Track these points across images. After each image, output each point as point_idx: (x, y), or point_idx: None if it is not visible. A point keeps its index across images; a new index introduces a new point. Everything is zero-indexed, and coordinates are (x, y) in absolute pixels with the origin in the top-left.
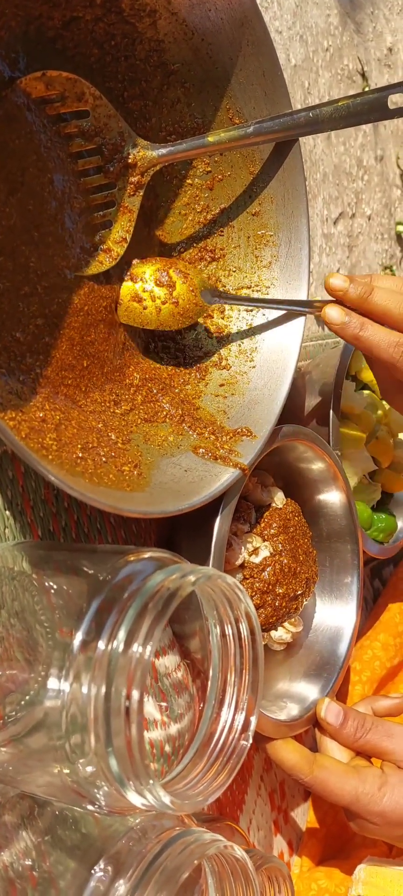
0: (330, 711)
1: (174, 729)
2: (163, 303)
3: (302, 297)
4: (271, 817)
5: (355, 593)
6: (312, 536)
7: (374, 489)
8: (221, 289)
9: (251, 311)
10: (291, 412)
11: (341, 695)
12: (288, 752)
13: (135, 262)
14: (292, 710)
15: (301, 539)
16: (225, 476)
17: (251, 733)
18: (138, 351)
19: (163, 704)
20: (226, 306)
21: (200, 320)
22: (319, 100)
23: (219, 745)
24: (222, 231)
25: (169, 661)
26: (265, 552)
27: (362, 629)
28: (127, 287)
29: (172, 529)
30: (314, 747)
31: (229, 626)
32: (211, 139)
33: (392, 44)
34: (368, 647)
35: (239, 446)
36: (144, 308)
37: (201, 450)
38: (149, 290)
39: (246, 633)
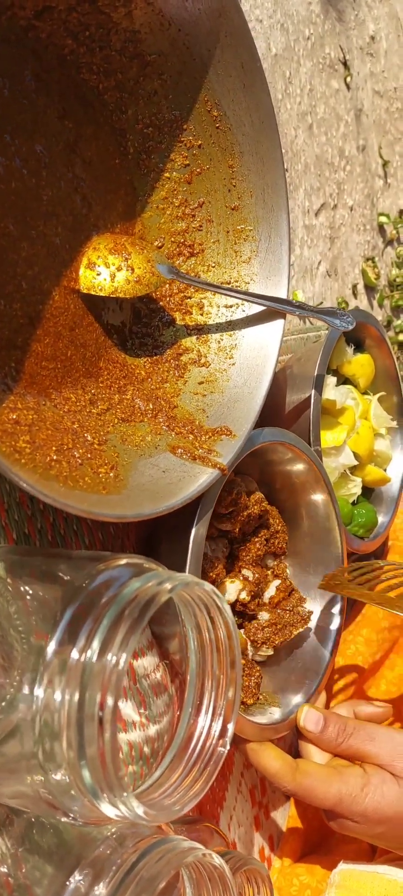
0: (310, 719)
1: (153, 730)
2: (118, 269)
3: (283, 293)
4: (252, 813)
5: (338, 598)
6: (295, 539)
7: (355, 484)
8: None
9: (231, 307)
10: (272, 408)
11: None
12: (271, 759)
13: (94, 237)
14: (274, 713)
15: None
16: (203, 477)
17: (228, 740)
18: (115, 347)
19: (142, 711)
20: (206, 302)
21: (178, 318)
22: (300, 90)
23: (196, 752)
24: (201, 226)
25: (147, 663)
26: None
27: (346, 622)
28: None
29: (152, 530)
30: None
31: (207, 632)
32: None
33: (374, 32)
34: (351, 642)
35: (219, 446)
36: (98, 274)
37: (179, 450)
38: (103, 258)
39: (223, 638)
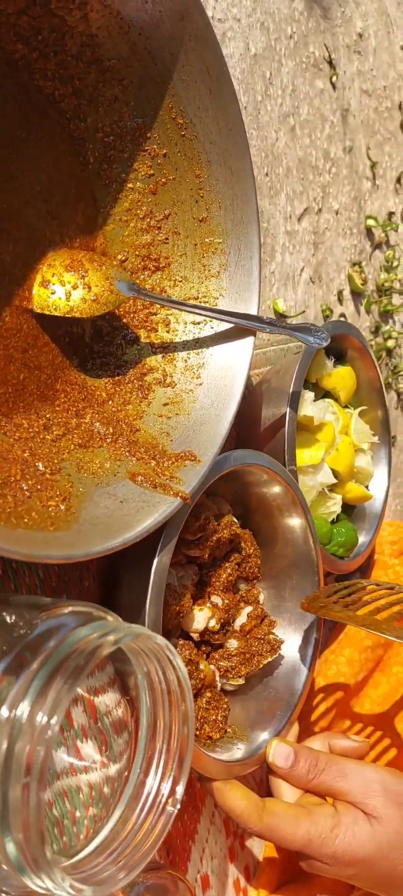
0: (279, 754)
1: (113, 769)
2: (74, 287)
3: (253, 309)
4: (226, 844)
5: (314, 626)
6: (271, 562)
7: (334, 502)
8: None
9: (198, 323)
10: (249, 423)
11: (303, 713)
12: (236, 799)
13: (50, 253)
14: (242, 748)
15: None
16: (163, 507)
17: (178, 800)
18: (74, 368)
19: (104, 750)
20: (172, 319)
21: (143, 335)
22: (282, 91)
23: (144, 813)
24: (167, 239)
25: (109, 699)
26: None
27: (326, 642)
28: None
29: (113, 560)
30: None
31: (159, 685)
32: None
33: (362, 29)
34: (332, 661)
35: (182, 472)
36: (52, 293)
37: (140, 477)
38: (58, 276)
39: (176, 693)
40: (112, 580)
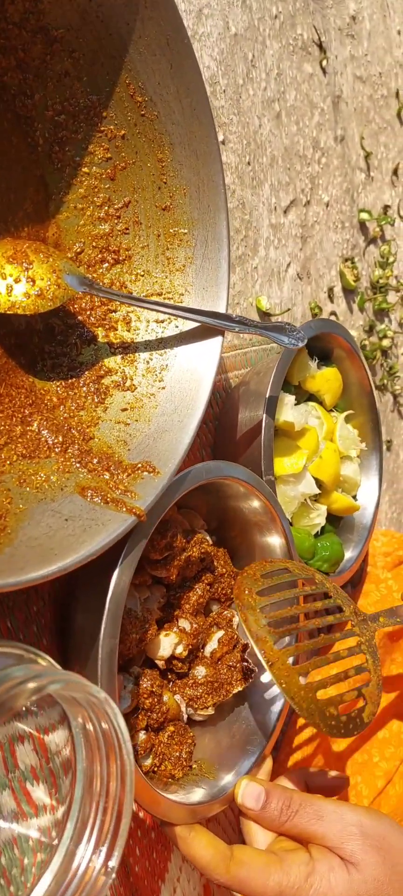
0: (249, 794)
1: (60, 812)
2: (16, 281)
3: (221, 306)
4: (200, 883)
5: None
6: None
7: (318, 514)
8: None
9: (162, 322)
10: (224, 430)
11: (288, 739)
12: (201, 848)
13: None
14: (209, 787)
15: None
16: (114, 525)
17: (112, 871)
18: (20, 370)
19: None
20: (133, 317)
21: (100, 334)
22: (266, 74)
23: (74, 885)
24: (127, 229)
25: (59, 738)
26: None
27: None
28: None
29: (67, 581)
30: None
31: (95, 739)
32: None
33: (355, 11)
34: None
35: (139, 485)
36: None
37: (90, 491)
38: None
39: (116, 749)
40: (67, 599)
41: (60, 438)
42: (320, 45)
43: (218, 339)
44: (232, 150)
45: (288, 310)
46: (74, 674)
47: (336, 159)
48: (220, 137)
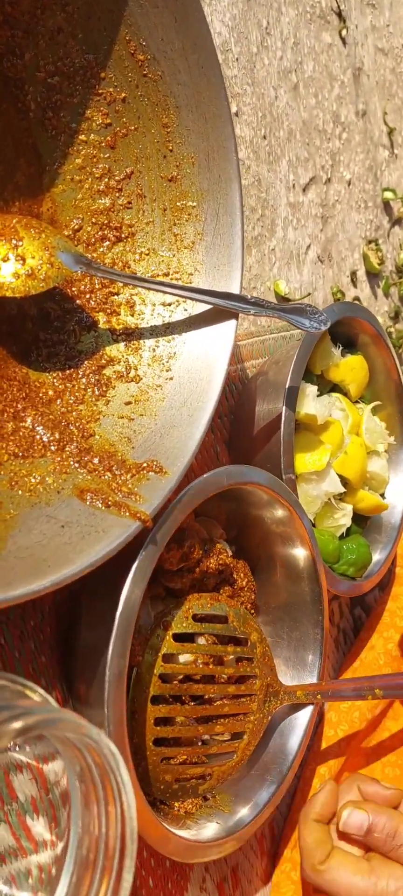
0: (353, 823)
1: (60, 847)
2: (4, 260)
3: (235, 287)
4: None
5: (316, 674)
6: (269, 595)
7: (343, 514)
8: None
9: (169, 305)
10: (241, 425)
11: (313, 755)
12: (310, 832)
13: None
14: (221, 823)
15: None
16: (116, 531)
17: None
18: (13, 359)
19: (53, 827)
20: (137, 300)
21: (101, 320)
22: (282, 43)
23: None
24: (130, 203)
25: (58, 767)
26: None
27: (340, 668)
28: None
29: (72, 591)
30: None
31: (92, 779)
32: None
33: None
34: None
35: (144, 487)
36: None
37: (89, 494)
38: None
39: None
40: (70, 612)
41: (57, 436)
42: (339, 14)
43: (232, 322)
44: (247, 123)
45: (309, 294)
46: (68, 712)
47: (357, 135)
48: (233, 109)
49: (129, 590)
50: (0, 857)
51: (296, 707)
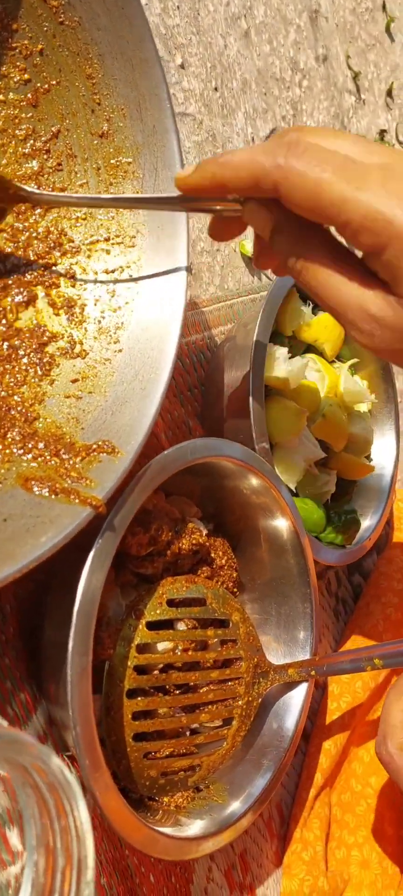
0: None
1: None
2: None
3: (182, 246)
4: None
5: (308, 650)
6: (254, 571)
7: (326, 480)
8: (67, 245)
9: (113, 271)
10: (210, 395)
11: (318, 729)
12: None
13: None
14: (215, 815)
15: None
16: (63, 521)
17: None
18: None
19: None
20: (77, 269)
21: (40, 294)
22: None
23: None
24: (60, 165)
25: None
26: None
27: (341, 638)
28: None
29: (36, 581)
30: None
31: (49, 821)
32: None
33: None
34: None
35: (95, 470)
36: None
37: (35, 483)
38: None
39: (73, 840)
40: (35, 608)
41: None
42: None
43: (182, 283)
44: (195, 76)
45: None
46: (12, 730)
47: (319, 81)
48: (178, 61)
49: (87, 581)
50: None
51: (290, 686)
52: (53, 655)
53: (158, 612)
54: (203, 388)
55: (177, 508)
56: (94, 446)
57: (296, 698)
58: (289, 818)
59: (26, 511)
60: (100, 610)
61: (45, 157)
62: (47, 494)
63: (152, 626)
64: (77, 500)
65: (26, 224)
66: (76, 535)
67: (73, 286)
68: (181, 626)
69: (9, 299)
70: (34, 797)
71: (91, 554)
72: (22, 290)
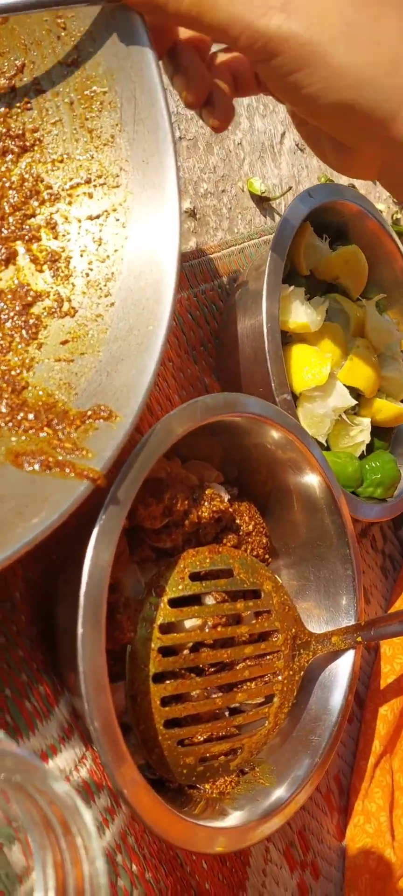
0: None
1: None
2: None
3: (171, 182)
4: (293, 881)
5: (353, 614)
6: (287, 534)
7: (360, 430)
8: (45, 192)
9: (97, 217)
10: (224, 347)
11: (373, 693)
12: None
13: None
14: (261, 801)
15: None
16: (57, 499)
17: None
18: None
19: None
20: (59, 218)
21: (20, 250)
22: None
23: None
24: (28, 103)
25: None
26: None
27: (390, 596)
28: None
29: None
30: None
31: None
32: None
33: None
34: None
35: (92, 439)
36: None
37: (26, 458)
38: None
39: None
40: (50, 592)
41: None
42: None
43: (174, 212)
44: None
45: (290, 189)
46: (16, 749)
47: None
48: None
49: (93, 561)
50: (18, 878)
51: (336, 654)
52: (68, 642)
53: (181, 587)
54: (217, 342)
55: (194, 474)
56: (89, 412)
57: (344, 667)
58: (349, 790)
59: (17, 491)
60: (117, 590)
61: (11, 96)
62: (39, 469)
63: (176, 603)
64: (72, 474)
65: None
66: (85, 510)
67: (56, 238)
68: (209, 601)
69: None
70: (35, 812)
71: (94, 531)
72: (0, 246)
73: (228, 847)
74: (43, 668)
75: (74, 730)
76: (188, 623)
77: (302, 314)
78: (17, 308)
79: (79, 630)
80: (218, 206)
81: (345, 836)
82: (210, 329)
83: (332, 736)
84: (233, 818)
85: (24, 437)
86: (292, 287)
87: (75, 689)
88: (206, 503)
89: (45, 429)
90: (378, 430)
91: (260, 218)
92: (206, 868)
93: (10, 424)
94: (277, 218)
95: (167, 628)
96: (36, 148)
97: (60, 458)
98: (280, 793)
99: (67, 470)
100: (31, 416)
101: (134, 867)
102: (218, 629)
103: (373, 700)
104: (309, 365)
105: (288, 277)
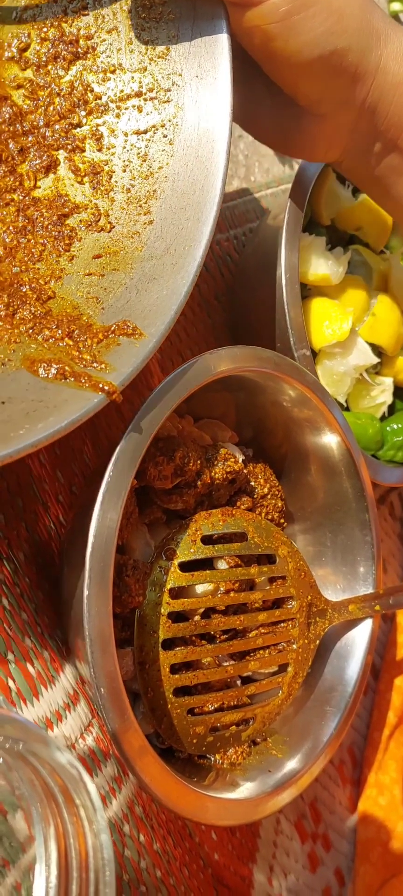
0: None
1: None
2: None
3: (225, 101)
4: (303, 853)
5: (371, 581)
6: (304, 497)
7: (381, 389)
8: (94, 102)
9: (145, 132)
10: (240, 302)
11: (388, 664)
12: None
13: None
14: (274, 772)
15: None
16: (69, 408)
17: None
18: None
19: None
20: (105, 130)
21: (62, 158)
22: None
23: None
24: (85, 6)
25: None
26: None
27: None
28: None
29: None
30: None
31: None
32: None
33: None
34: None
35: (113, 354)
36: None
37: (41, 365)
38: None
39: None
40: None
41: (5, 299)
42: None
43: (224, 127)
44: None
45: None
46: (18, 716)
47: None
48: None
49: (100, 519)
50: (21, 847)
51: (353, 623)
52: (74, 606)
53: (192, 550)
54: (232, 295)
55: (208, 433)
56: (114, 328)
57: (360, 636)
58: (362, 762)
59: (29, 395)
60: (126, 552)
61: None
62: (55, 377)
63: (187, 567)
64: (88, 385)
65: (47, 79)
66: (94, 467)
67: (100, 150)
68: (222, 565)
69: (26, 165)
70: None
71: (101, 488)
72: (41, 154)
73: (239, 820)
74: (48, 632)
75: (80, 696)
76: (199, 588)
77: (322, 265)
78: (53, 218)
79: (85, 592)
80: (234, 152)
81: (357, 809)
82: (224, 281)
83: (348, 707)
84: (245, 790)
85: (44, 345)
86: (313, 236)
87: (82, 655)
88: (220, 463)
89: (66, 339)
90: (401, 391)
91: (279, 167)
92: (216, 839)
93: (31, 331)
94: (296, 167)
95: (177, 593)
96: (89, 56)
97: (77, 368)
98: (293, 764)
99: (83, 380)
100: (53, 326)
101: (141, 837)
102: (231, 595)
103: (388, 671)
104: (330, 319)
105: (307, 227)
